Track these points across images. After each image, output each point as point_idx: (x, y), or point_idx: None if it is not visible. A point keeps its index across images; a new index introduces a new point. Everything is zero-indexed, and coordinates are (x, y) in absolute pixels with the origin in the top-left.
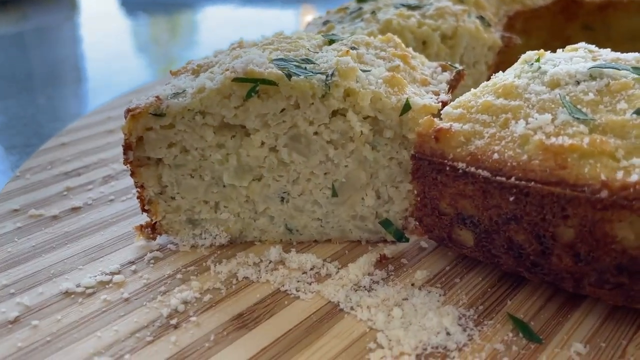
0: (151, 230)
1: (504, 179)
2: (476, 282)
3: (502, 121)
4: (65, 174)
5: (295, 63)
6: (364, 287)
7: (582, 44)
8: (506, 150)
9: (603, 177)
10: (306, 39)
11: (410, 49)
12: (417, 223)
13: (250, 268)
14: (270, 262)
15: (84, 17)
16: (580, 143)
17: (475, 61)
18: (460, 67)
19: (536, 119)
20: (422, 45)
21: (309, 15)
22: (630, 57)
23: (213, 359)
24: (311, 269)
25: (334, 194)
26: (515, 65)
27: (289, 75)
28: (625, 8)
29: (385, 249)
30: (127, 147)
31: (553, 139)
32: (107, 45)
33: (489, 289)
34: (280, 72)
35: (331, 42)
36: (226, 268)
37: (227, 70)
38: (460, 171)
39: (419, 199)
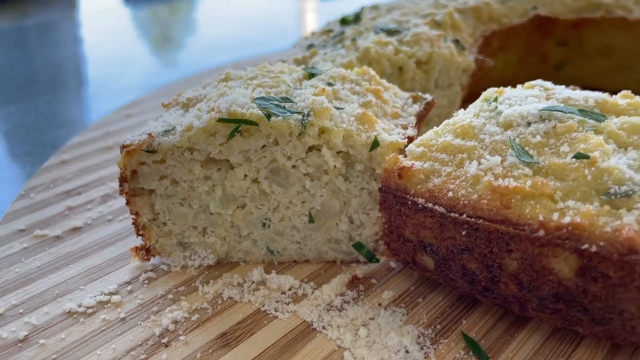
0: (145, 252)
1: (457, 215)
2: (437, 302)
3: (458, 161)
4: (67, 192)
5: (275, 102)
6: (336, 307)
7: (539, 81)
8: (459, 189)
9: (541, 218)
10: (287, 73)
11: (384, 81)
12: (386, 247)
13: (234, 288)
14: (253, 282)
15: (84, 14)
16: (523, 185)
17: (450, 83)
18: (430, 98)
19: (487, 160)
20: (399, 71)
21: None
22: (580, 96)
23: None
24: (289, 289)
25: (311, 220)
26: (476, 102)
27: (268, 116)
28: (598, 25)
29: (357, 269)
30: (122, 180)
31: (500, 181)
32: (108, 43)
33: (447, 309)
34: (260, 112)
35: (311, 75)
36: (213, 288)
37: (213, 109)
38: (420, 206)
39: (386, 226)
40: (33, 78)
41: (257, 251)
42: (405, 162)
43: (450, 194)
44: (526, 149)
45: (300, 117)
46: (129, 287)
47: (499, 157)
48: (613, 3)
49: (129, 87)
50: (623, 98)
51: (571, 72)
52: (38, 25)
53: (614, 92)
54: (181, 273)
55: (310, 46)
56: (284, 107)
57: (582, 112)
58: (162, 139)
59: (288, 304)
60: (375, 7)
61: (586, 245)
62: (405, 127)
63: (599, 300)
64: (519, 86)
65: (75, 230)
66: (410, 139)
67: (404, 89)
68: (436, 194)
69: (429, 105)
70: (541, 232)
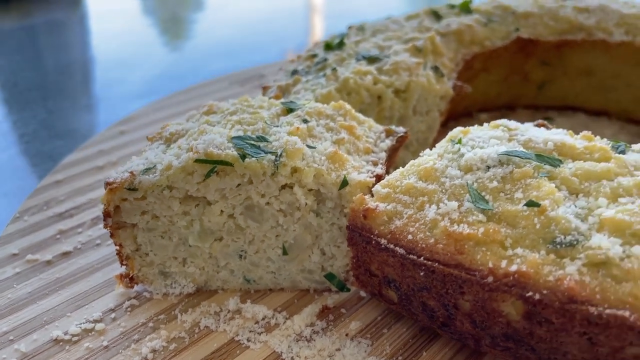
0: (129, 280)
1: (415, 257)
2: (401, 333)
3: (419, 204)
4: (59, 215)
5: (251, 142)
6: (305, 337)
7: (504, 121)
8: (419, 232)
9: (490, 265)
10: (266, 108)
11: (360, 115)
12: (354, 278)
13: (211, 317)
14: (229, 311)
15: (91, 12)
16: (476, 232)
17: (428, 110)
18: (401, 133)
19: (446, 204)
20: (378, 100)
21: None
22: (541, 138)
23: None
24: (263, 319)
25: (285, 252)
26: (442, 142)
27: (243, 156)
28: (579, 47)
29: (329, 298)
30: (106, 215)
31: (455, 226)
32: (113, 45)
33: (410, 340)
34: (235, 153)
35: (289, 110)
36: (191, 317)
37: (192, 149)
38: (383, 245)
39: (354, 260)
40: (37, 82)
41: (234, 280)
42: (371, 203)
43: (410, 236)
44: (483, 194)
45: (273, 157)
46: (113, 315)
47: (457, 202)
48: (594, 25)
49: (139, 83)
50: (583, 139)
51: (554, 91)
52: (42, 24)
53: (595, 111)
54: (162, 301)
55: (294, 72)
56: (259, 146)
57: (539, 157)
58: (143, 177)
59: (260, 334)
60: (361, 29)
61: (530, 293)
62: (375, 164)
63: (544, 342)
64: (485, 125)
65: (65, 254)
66: (379, 177)
67: (382, 116)
68: (397, 235)
69: (401, 139)
70: (490, 279)
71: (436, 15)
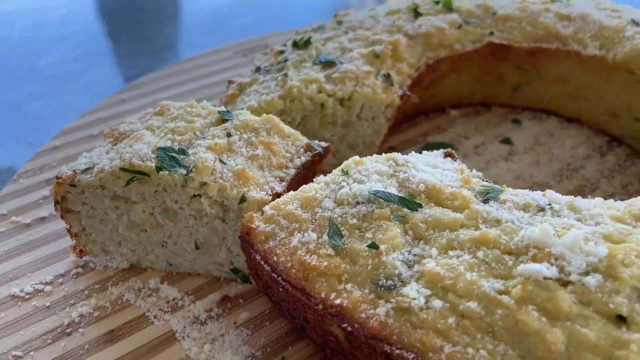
0: (79, 251)
1: (276, 275)
2: (279, 327)
3: (291, 230)
4: (47, 181)
5: (172, 154)
6: (200, 320)
7: (396, 155)
8: (282, 256)
9: (323, 295)
10: (203, 116)
11: (287, 128)
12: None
13: (133, 292)
14: (149, 289)
15: None
16: (320, 264)
17: (374, 116)
18: (322, 149)
19: (309, 235)
20: (320, 107)
21: None
22: (416, 179)
23: None
24: (173, 300)
25: (197, 247)
26: (335, 171)
27: (159, 169)
28: (553, 55)
29: (233, 288)
30: (56, 202)
31: (308, 256)
32: None
33: (283, 335)
34: (153, 165)
35: (224, 120)
36: (118, 290)
37: (122, 156)
38: (257, 260)
39: (247, 262)
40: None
41: (160, 262)
42: (256, 222)
43: (275, 257)
44: (342, 229)
45: (184, 172)
46: (61, 280)
47: (317, 234)
48: (570, 35)
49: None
50: (461, 181)
51: (529, 93)
52: None
53: (570, 118)
54: (102, 272)
55: (257, 69)
56: (177, 159)
57: (402, 199)
58: (82, 176)
59: (166, 313)
60: (339, 22)
61: (345, 324)
62: (282, 179)
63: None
64: (374, 156)
65: (42, 219)
66: (277, 195)
67: (325, 121)
68: (267, 255)
69: (320, 155)
70: (320, 306)
71: (416, 13)
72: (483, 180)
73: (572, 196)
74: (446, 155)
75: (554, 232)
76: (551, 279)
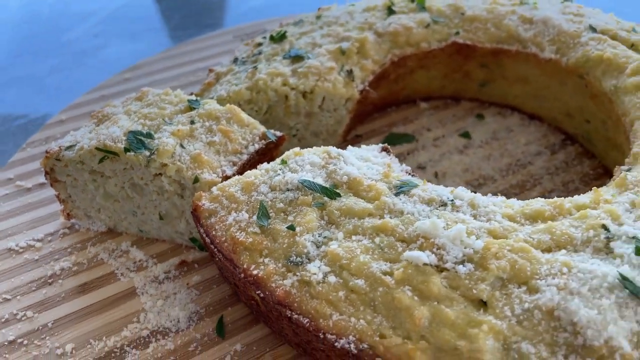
0: (67, 215)
1: (213, 247)
2: (223, 290)
3: (229, 209)
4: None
5: (140, 137)
6: (158, 280)
7: (330, 149)
8: (219, 230)
9: (245, 266)
10: (174, 104)
11: (246, 117)
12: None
13: (107, 253)
14: (121, 250)
15: None
16: (246, 240)
17: (335, 108)
18: (276, 137)
19: (242, 214)
20: (285, 98)
21: None
22: (342, 171)
23: (55, 309)
24: (139, 261)
25: (161, 218)
26: (277, 159)
27: (127, 150)
28: (514, 57)
29: (192, 254)
30: (45, 172)
31: (238, 233)
32: None
33: (226, 297)
34: (122, 147)
35: (192, 108)
36: (95, 250)
37: (98, 137)
38: (201, 233)
39: (200, 232)
40: None
41: (132, 228)
42: (203, 200)
43: (213, 232)
44: (270, 211)
45: (148, 153)
46: (50, 238)
47: (249, 214)
48: (530, 38)
49: None
50: (382, 175)
51: (495, 90)
52: None
53: (532, 115)
54: (85, 233)
55: (235, 60)
56: (144, 142)
57: (323, 189)
58: (66, 152)
59: (131, 272)
60: (318, 17)
61: (259, 292)
62: (234, 164)
63: (276, 322)
64: (314, 149)
65: (41, 185)
66: (226, 177)
67: (289, 111)
68: (208, 229)
69: (273, 143)
70: (242, 275)
71: (389, 10)
72: (411, 174)
73: (475, 193)
74: (382, 149)
75: (444, 225)
76: (430, 265)
